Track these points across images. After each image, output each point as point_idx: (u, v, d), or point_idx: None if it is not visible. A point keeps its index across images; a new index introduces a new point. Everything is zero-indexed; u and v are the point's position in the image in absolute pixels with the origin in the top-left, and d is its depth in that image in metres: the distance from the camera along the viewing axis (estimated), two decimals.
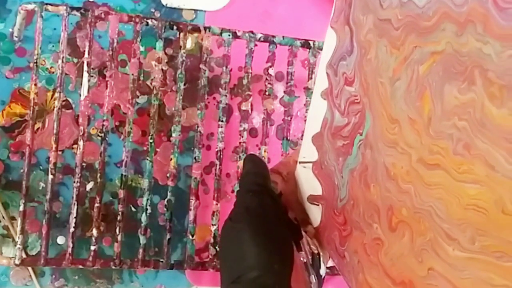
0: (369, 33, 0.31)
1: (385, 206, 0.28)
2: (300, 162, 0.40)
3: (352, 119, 0.32)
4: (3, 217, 0.65)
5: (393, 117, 0.28)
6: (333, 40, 0.34)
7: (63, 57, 0.59)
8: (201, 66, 0.64)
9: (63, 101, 0.62)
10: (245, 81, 0.65)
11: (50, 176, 0.59)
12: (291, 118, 0.66)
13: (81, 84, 0.60)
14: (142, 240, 0.61)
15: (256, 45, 0.65)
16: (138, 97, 0.70)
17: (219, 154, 0.64)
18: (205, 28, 0.64)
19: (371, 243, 0.30)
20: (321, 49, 0.43)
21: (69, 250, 0.59)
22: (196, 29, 0.64)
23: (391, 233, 0.28)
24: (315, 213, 0.37)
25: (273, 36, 0.65)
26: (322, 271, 0.37)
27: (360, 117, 0.31)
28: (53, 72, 0.68)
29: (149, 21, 0.62)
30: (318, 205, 0.37)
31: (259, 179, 0.38)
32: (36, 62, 0.59)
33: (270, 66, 0.65)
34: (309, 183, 0.38)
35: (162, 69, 0.64)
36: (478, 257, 0.22)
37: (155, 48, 0.63)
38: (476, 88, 0.22)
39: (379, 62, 0.29)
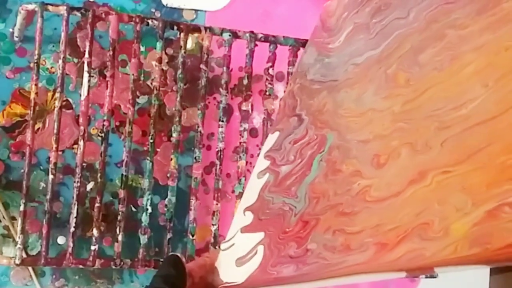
0: (323, 100, 0.41)
1: (367, 160, 0.35)
2: (224, 243, 0.44)
3: (307, 154, 0.40)
4: (4, 217, 0.65)
5: (362, 112, 0.37)
6: (274, 137, 0.44)
7: (63, 57, 0.59)
8: (202, 66, 0.64)
9: (64, 101, 0.62)
10: (245, 81, 0.65)
11: (51, 176, 0.59)
12: None
13: (82, 84, 0.60)
14: (143, 240, 0.61)
15: (256, 45, 0.65)
16: (138, 97, 0.69)
17: (219, 154, 0.64)
18: (205, 28, 0.64)
19: (353, 200, 0.34)
20: None
21: (70, 250, 0.59)
22: (196, 29, 0.64)
23: (379, 170, 0.34)
24: (244, 271, 0.40)
25: (274, 36, 0.65)
26: None
27: (318, 145, 0.40)
28: (53, 72, 0.68)
29: (149, 21, 0.62)
30: (255, 254, 0.40)
31: None
32: (37, 62, 0.59)
33: (271, 66, 0.65)
34: (238, 251, 0.41)
35: (162, 69, 0.64)
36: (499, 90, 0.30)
37: (155, 48, 0.63)
38: (449, 35, 0.33)
39: (337, 103, 0.39)
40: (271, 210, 0.41)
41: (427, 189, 0.30)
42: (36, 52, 0.59)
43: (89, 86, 0.60)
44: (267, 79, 0.65)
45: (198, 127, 0.64)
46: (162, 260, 0.62)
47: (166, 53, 0.70)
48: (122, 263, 0.60)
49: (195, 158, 0.63)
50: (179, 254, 0.42)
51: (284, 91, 0.67)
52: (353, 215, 0.34)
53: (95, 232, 0.59)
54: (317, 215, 0.37)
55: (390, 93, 0.35)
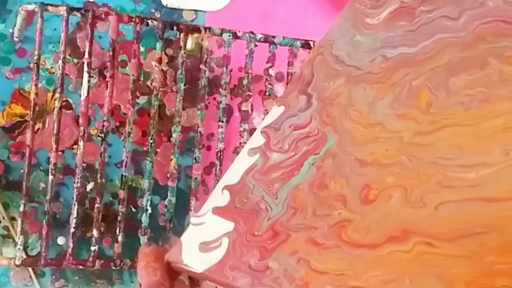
0: (338, 88, 0.36)
1: (356, 187, 0.31)
2: (195, 217, 0.40)
3: (302, 149, 0.36)
4: (3, 218, 0.65)
5: (371, 123, 0.33)
6: (278, 112, 0.39)
7: (63, 57, 0.59)
8: (201, 66, 0.64)
9: (63, 101, 0.62)
10: (245, 82, 0.65)
11: (50, 177, 0.59)
12: None
13: (81, 85, 0.60)
14: (143, 240, 0.61)
15: (256, 45, 0.65)
16: (138, 97, 0.69)
17: (219, 154, 0.64)
18: (205, 28, 0.64)
19: (328, 230, 0.31)
20: None
21: (70, 250, 0.59)
22: (196, 30, 0.64)
23: (364, 206, 0.30)
24: (205, 260, 0.37)
25: (273, 37, 0.65)
26: None
27: (316, 144, 0.36)
28: (53, 73, 0.68)
29: (149, 21, 0.62)
30: (219, 246, 0.36)
31: None
32: (37, 63, 0.59)
33: (271, 67, 0.65)
34: (205, 233, 0.38)
35: (162, 70, 0.64)
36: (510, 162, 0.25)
37: (155, 49, 0.63)
38: (490, 66, 0.28)
39: (352, 100, 0.35)
40: (248, 200, 0.37)
41: (405, 257, 0.27)
42: (36, 52, 0.59)
43: (89, 86, 0.60)
44: (267, 79, 0.65)
45: (198, 127, 0.64)
46: None
47: (166, 54, 0.70)
48: (122, 263, 0.60)
49: (195, 158, 0.63)
50: None
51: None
52: (323, 249, 0.30)
53: (95, 232, 0.59)
54: (289, 230, 0.33)
55: (406, 113, 0.31)
